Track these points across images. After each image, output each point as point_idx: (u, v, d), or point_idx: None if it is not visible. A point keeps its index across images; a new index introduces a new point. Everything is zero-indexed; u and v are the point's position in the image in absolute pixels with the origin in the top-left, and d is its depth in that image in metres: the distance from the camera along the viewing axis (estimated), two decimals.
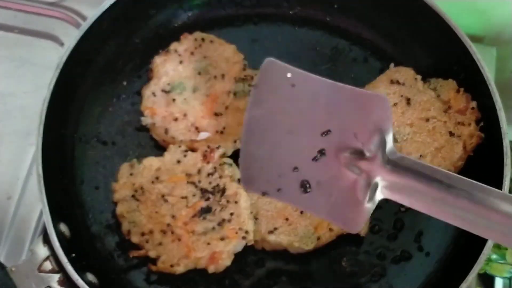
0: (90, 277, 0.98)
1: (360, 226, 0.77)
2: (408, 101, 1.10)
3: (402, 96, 1.10)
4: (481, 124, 1.08)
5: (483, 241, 0.95)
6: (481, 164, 1.07)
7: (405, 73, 1.13)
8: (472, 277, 0.93)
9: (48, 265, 0.95)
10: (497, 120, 1.02)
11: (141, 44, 1.22)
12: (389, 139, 0.73)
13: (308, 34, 1.25)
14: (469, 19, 1.29)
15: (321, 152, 0.77)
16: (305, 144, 0.79)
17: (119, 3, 1.12)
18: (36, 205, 1.15)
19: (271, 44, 1.23)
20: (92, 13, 1.11)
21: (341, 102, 0.78)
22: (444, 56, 1.14)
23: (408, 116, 1.08)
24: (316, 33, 1.25)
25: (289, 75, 0.81)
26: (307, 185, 0.78)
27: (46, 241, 0.95)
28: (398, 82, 1.12)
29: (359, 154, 0.75)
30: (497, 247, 1.31)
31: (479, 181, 1.06)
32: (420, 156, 1.05)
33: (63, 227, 0.99)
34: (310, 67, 1.17)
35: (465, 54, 1.07)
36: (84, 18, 1.34)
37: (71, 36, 1.09)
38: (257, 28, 1.25)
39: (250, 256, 1.05)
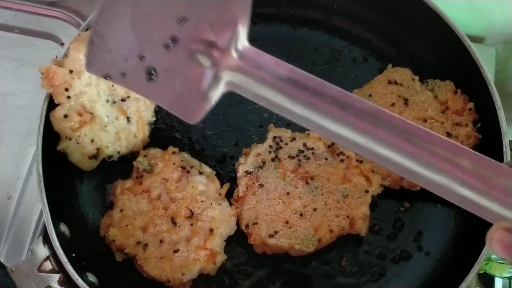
0: (90, 277, 0.98)
1: (198, 117, 0.74)
2: (406, 101, 1.10)
3: (400, 96, 1.10)
4: (478, 125, 1.08)
5: (483, 241, 0.94)
6: None
7: (403, 74, 1.13)
8: (471, 276, 0.93)
9: (48, 265, 0.95)
10: (497, 120, 1.02)
11: None
12: (243, 32, 0.71)
13: (308, 34, 1.25)
14: (469, 19, 1.29)
15: (173, 39, 0.74)
16: (159, 30, 0.75)
17: None
18: (36, 205, 1.15)
19: (271, 44, 1.23)
20: (92, 13, 1.10)
21: None
22: (444, 56, 1.14)
23: (406, 116, 1.08)
24: (316, 33, 1.25)
25: None
26: (153, 72, 0.75)
27: (46, 241, 0.95)
28: (395, 83, 1.12)
29: (212, 45, 0.72)
30: None
31: None
32: None
33: (63, 227, 0.99)
34: (310, 67, 1.19)
35: (464, 54, 1.07)
36: (84, 18, 1.34)
37: (71, 36, 1.09)
38: (257, 28, 1.25)
39: (251, 257, 1.05)
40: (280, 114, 0.69)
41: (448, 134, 1.06)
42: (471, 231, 1.04)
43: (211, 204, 1.01)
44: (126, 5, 0.77)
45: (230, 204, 1.04)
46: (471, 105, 1.09)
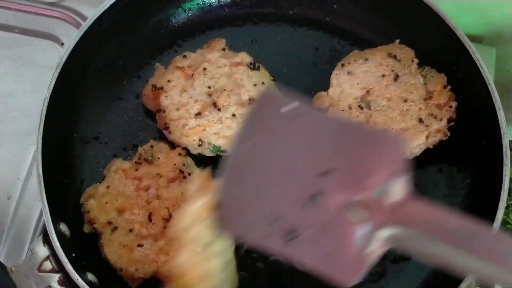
0: (90, 277, 0.98)
1: (352, 279, 0.63)
2: (396, 77, 1.12)
3: (393, 71, 1.13)
4: (451, 124, 1.09)
5: None
6: (481, 164, 1.07)
7: (405, 52, 1.15)
8: (472, 276, 0.93)
9: (48, 265, 0.95)
10: (497, 120, 1.02)
11: (141, 44, 1.23)
12: (399, 181, 0.62)
13: (308, 34, 1.25)
14: (469, 19, 1.29)
15: (315, 196, 0.65)
16: (297, 187, 0.67)
17: (119, 3, 1.12)
18: (36, 205, 1.15)
19: (271, 44, 1.23)
20: (92, 13, 1.11)
21: (346, 140, 0.68)
22: (444, 56, 1.14)
23: (390, 90, 1.11)
24: (316, 33, 1.25)
25: (287, 108, 0.70)
26: (293, 233, 0.66)
27: (46, 241, 0.95)
28: (395, 57, 1.14)
29: (363, 200, 0.63)
30: None
31: (479, 181, 1.08)
32: (385, 129, 1.07)
33: (63, 227, 0.99)
34: (310, 67, 1.19)
35: (464, 54, 1.07)
36: (84, 18, 1.34)
37: (71, 36, 1.09)
38: (257, 28, 1.25)
39: (251, 253, 1.05)
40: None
41: (420, 121, 1.08)
42: None
43: None
44: (259, 162, 0.71)
45: None
46: (454, 104, 1.10)
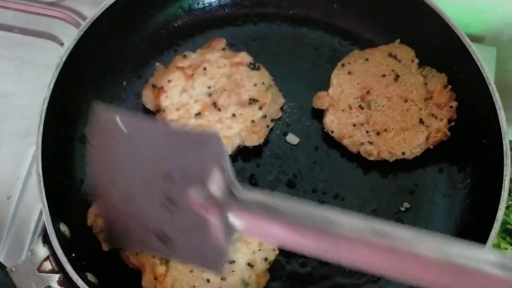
0: (90, 277, 0.98)
1: (222, 266, 0.72)
2: (397, 77, 1.12)
3: (393, 71, 1.13)
4: (452, 124, 1.10)
5: (483, 241, 0.95)
6: (481, 164, 1.07)
7: (406, 52, 1.15)
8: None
9: (48, 265, 0.95)
10: (497, 120, 1.02)
11: (141, 44, 1.22)
12: (230, 175, 0.69)
13: (308, 34, 1.25)
14: (469, 19, 1.29)
15: (168, 197, 0.72)
16: (152, 191, 0.74)
17: (119, 3, 1.12)
18: (36, 205, 1.15)
19: (271, 44, 1.23)
20: (92, 13, 1.11)
21: (175, 143, 0.75)
22: (444, 56, 1.14)
23: (390, 90, 1.11)
24: (316, 33, 1.25)
25: (118, 120, 0.77)
26: (164, 236, 0.74)
27: (46, 241, 0.95)
28: (395, 57, 1.14)
29: (206, 194, 0.69)
30: (497, 247, 1.31)
31: (479, 181, 1.08)
32: (385, 130, 1.08)
33: (63, 227, 0.99)
34: (310, 67, 1.19)
35: (465, 54, 1.07)
36: (84, 18, 1.34)
37: (71, 36, 1.09)
38: (257, 28, 1.25)
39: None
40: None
41: (421, 121, 1.08)
42: (471, 231, 1.04)
43: None
44: (115, 176, 0.78)
45: None
46: (454, 104, 1.10)
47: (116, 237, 0.81)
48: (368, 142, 1.08)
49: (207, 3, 1.27)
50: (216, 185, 0.68)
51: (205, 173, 0.68)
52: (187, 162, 0.71)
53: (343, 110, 1.11)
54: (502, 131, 1.01)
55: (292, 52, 1.22)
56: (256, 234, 0.70)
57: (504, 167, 0.99)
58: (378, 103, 1.11)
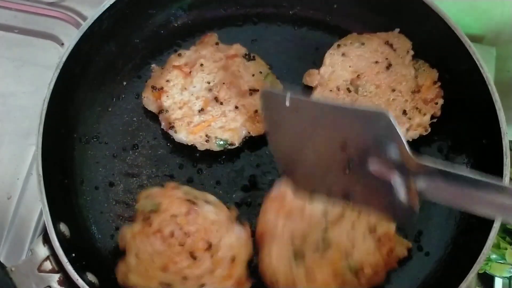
0: (90, 277, 0.98)
1: (412, 223, 0.91)
2: (388, 66, 1.13)
3: (387, 59, 1.14)
4: (434, 120, 1.10)
5: (483, 241, 0.95)
6: (482, 164, 1.07)
7: (403, 43, 1.16)
8: (471, 276, 0.93)
9: (48, 265, 0.95)
10: (497, 120, 1.02)
11: (141, 44, 1.23)
12: (405, 144, 0.74)
13: (308, 34, 1.25)
14: (469, 19, 1.29)
15: (349, 163, 0.80)
16: (333, 160, 0.81)
17: (119, 3, 1.12)
18: (36, 205, 1.15)
19: (271, 44, 1.23)
20: (92, 13, 1.11)
21: (347, 118, 0.79)
22: (444, 56, 1.14)
23: (380, 78, 1.12)
24: (316, 33, 1.25)
25: (287, 103, 0.82)
26: (349, 196, 0.84)
27: (46, 241, 0.95)
28: (391, 46, 1.15)
29: (386, 162, 0.76)
30: (497, 247, 1.31)
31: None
32: None
33: (63, 227, 0.99)
34: (310, 67, 1.19)
35: (465, 54, 1.07)
36: (84, 18, 1.34)
37: (71, 36, 1.09)
38: (257, 28, 1.25)
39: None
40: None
41: (404, 112, 1.09)
42: (471, 231, 1.04)
43: (227, 231, 1.00)
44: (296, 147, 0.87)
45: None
46: (440, 101, 1.11)
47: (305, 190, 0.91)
48: None
49: (207, 3, 1.26)
50: (394, 154, 0.74)
51: (381, 144, 0.75)
52: (362, 135, 0.77)
53: (330, 90, 1.12)
54: (501, 131, 1.01)
55: (292, 52, 1.22)
56: (434, 197, 0.76)
57: (504, 167, 0.99)
58: (366, 88, 1.11)
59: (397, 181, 0.76)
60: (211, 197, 1.05)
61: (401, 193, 0.76)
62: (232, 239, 1.00)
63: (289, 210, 1.00)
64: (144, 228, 1.01)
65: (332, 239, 0.98)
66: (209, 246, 0.98)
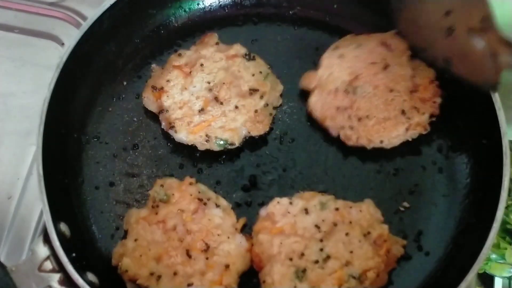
0: (90, 276, 0.98)
1: (494, 86, 1.00)
2: (386, 67, 1.13)
3: (384, 59, 1.13)
4: (433, 119, 1.10)
5: (483, 241, 0.95)
6: (481, 164, 1.08)
7: (399, 43, 1.15)
8: (471, 276, 0.93)
9: (48, 265, 0.95)
10: (497, 120, 1.02)
11: (141, 44, 1.23)
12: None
13: (308, 34, 1.25)
14: None
15: (450, 29, 0.99)
16: (437, 25, 1.00)
17: (119, 3, 1.12)
18: (36, 205, 1.15)
19: (271, 44, 1.23)
20: (92, 13, 1.11)
21: None
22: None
23: (378, 78, 1.12)
24: (316, 33, 1.25)
25: None
26: (446, 59, 1.04)
27: (47, 240, 0.95)
28: (388, 47, 1.15)
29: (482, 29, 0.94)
30: (497, 247, 1.31)
31: (479, 181, 1.08)
32: (367, 116, 1.09)
33: (63, 227, 0.99)
34: (310, 67, 1.19)
35: None
36: (84, 18, 1.34)
37: (71, 36, 1.10)
38: (257, 28, 1.25)
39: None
40: None
41: (403, 112, 1.09)
42: (471, 231, 1.04)
43: (228, 238, 1.00)
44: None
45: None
46: (438, 99, 1.11)
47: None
48: (349, 126, 1.09)
49: (207, 3, 1.27)
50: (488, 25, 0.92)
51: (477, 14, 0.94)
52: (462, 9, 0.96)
53: (328, 92, 1.12)
54: (501, 131, 1.01)
55: (292, 52, 1.22)
56: None
57: (504, 167, 0.99)
58: (364, 89, 1.11)
59: (486, 52, 0.91)
60: (224, 202, 1.05)
61: (488, 63, 0.91)
62: (231, 247, 0.99)
63: (281, 228, 1.00)
64: (150, 215, 1.02)
65: (329, 249, 0.98)
66: (207, 248, 0.98)
